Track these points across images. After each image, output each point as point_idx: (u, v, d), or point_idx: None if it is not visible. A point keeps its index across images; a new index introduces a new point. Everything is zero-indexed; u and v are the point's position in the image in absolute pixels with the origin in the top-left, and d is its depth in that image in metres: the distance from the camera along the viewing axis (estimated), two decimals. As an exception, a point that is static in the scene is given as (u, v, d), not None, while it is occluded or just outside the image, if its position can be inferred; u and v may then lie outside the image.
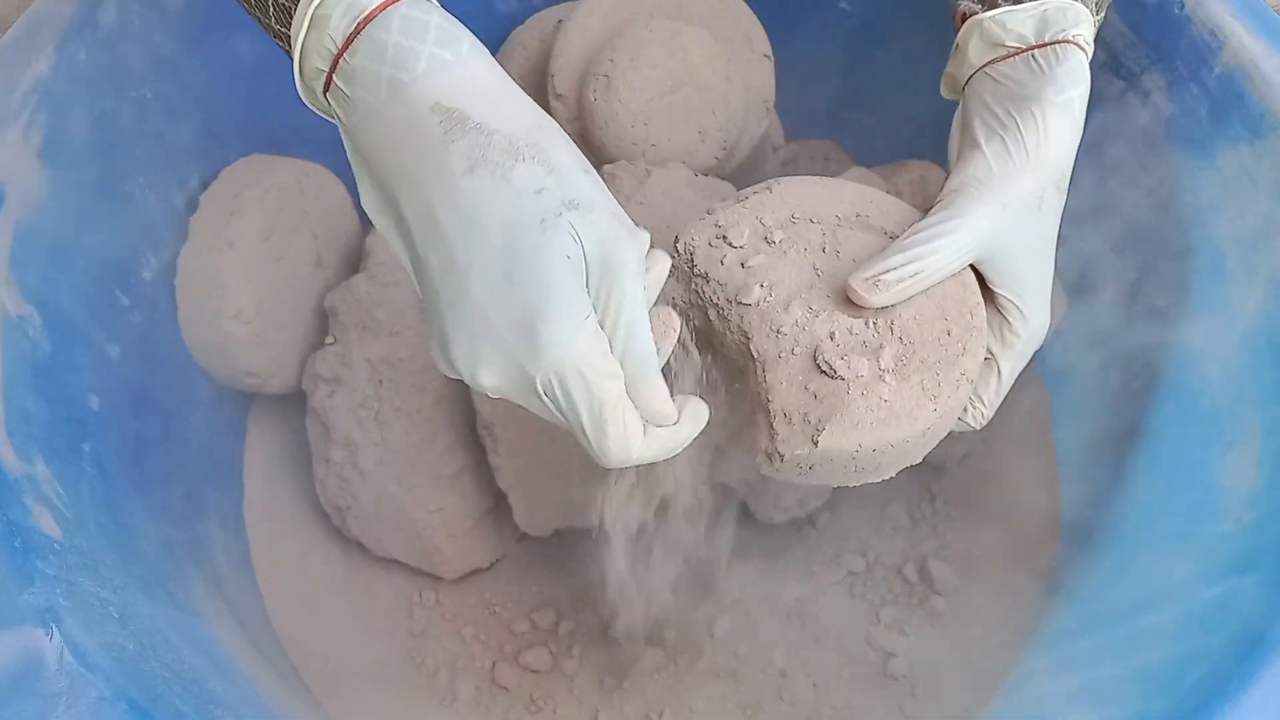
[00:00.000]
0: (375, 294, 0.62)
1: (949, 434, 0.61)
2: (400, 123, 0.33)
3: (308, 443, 0.62)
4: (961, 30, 0.45)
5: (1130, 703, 0.45)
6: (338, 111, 0.35)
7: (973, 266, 0.42)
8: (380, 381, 0.61)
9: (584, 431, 0.34)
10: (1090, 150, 0.62)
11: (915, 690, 0.60)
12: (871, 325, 0.40)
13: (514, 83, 0.35)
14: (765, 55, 0.64)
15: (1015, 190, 0.41)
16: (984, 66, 0.44)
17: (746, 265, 0.41)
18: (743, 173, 0.65)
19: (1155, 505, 0.56)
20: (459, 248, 0.32)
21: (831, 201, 0.44)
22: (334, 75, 0.34)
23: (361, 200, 0.36)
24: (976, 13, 0.44)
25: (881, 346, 0.39)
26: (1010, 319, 0.42)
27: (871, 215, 0.43)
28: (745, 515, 0.62)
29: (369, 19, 0.33)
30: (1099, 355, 0.64)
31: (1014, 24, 0.43)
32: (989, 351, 0.43)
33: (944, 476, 0.67)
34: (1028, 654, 0.58)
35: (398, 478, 0.60)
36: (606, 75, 0.58)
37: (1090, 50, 0.43)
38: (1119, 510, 0.58)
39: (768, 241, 0.42)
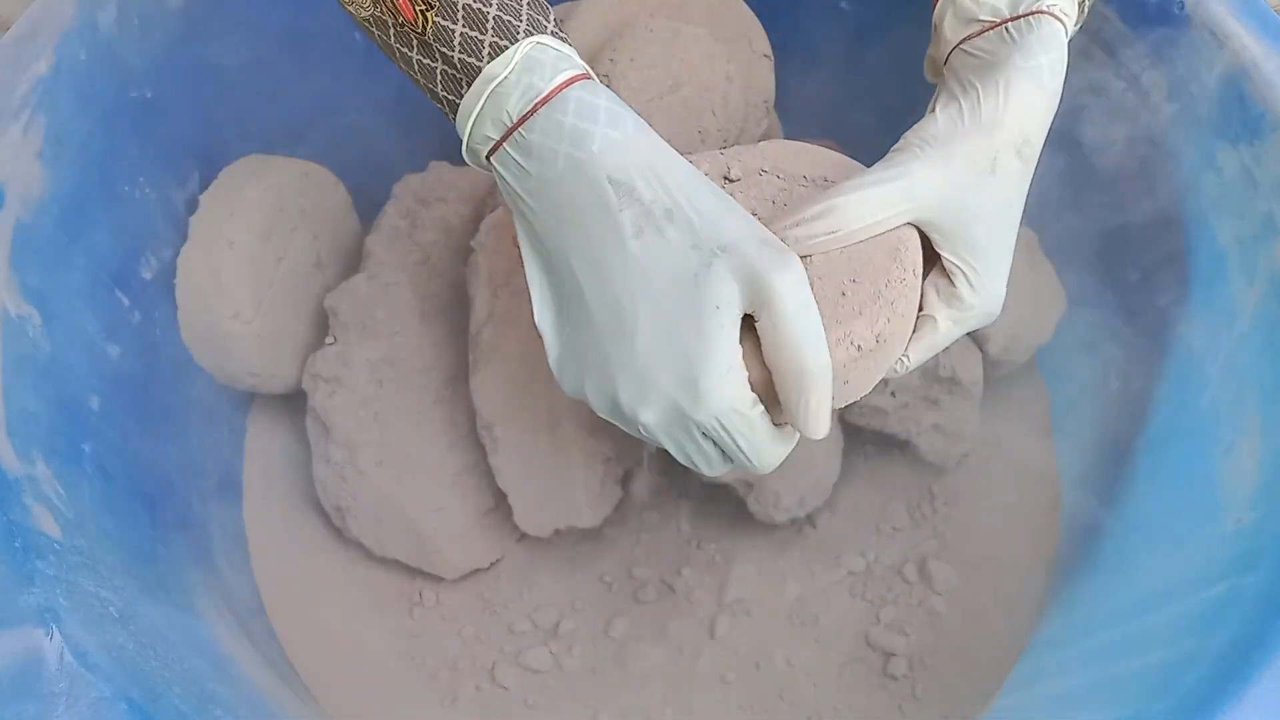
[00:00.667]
0: (375, 294, 0.62)
1: (949, 433, 0.61)
2: (577, 193, 0.37)
3: (308, 443, 0.62)
4: (936, 8, 0.45)
5: (1130, 703, 0.45)
6: (504, 174, 0.39)
7: (922, 234, 0.41)
8: (380, 381, 0.61)
9: (744, 459, 0.38)
10: (1090, 150, 0.62)
11: (915, 690, 0.60)
12: None
13: (670, 148, 0.38)
14: (765, 55, 0.64)
15: (961, 150, 0.40)
16: (960, 44, 0.44)
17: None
18: (743, 173, 0.65)
19: (1155, 505, 0.56)
20: (626, 303, 0.37)
21: (805, 163, 0.44)
22: (506, 145, 0.38)
23: (523, 255, 0.41)
24: None
25: None
26: (956, 284, 0.41)
27: (838, 179, 0.43)
28: (745, 515, 0.62)
29: (546, 100, 0.37)
30: (1099, 355, 0.64)
31: None
32: (928, 309, 0.41)
33: (944, 476, 0.67)
34: (1028, 654, 0.58)
35: (398, 478, 0.60)
36: (606, 75, 0.58)
37: (1069, 21, 0.42)
38: (1119, 510, 0.59)
39: (726, 179, 0.43)
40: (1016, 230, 0.42)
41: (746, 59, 0.63)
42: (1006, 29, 0.42)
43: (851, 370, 0.40)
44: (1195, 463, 0.53)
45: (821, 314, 0.38)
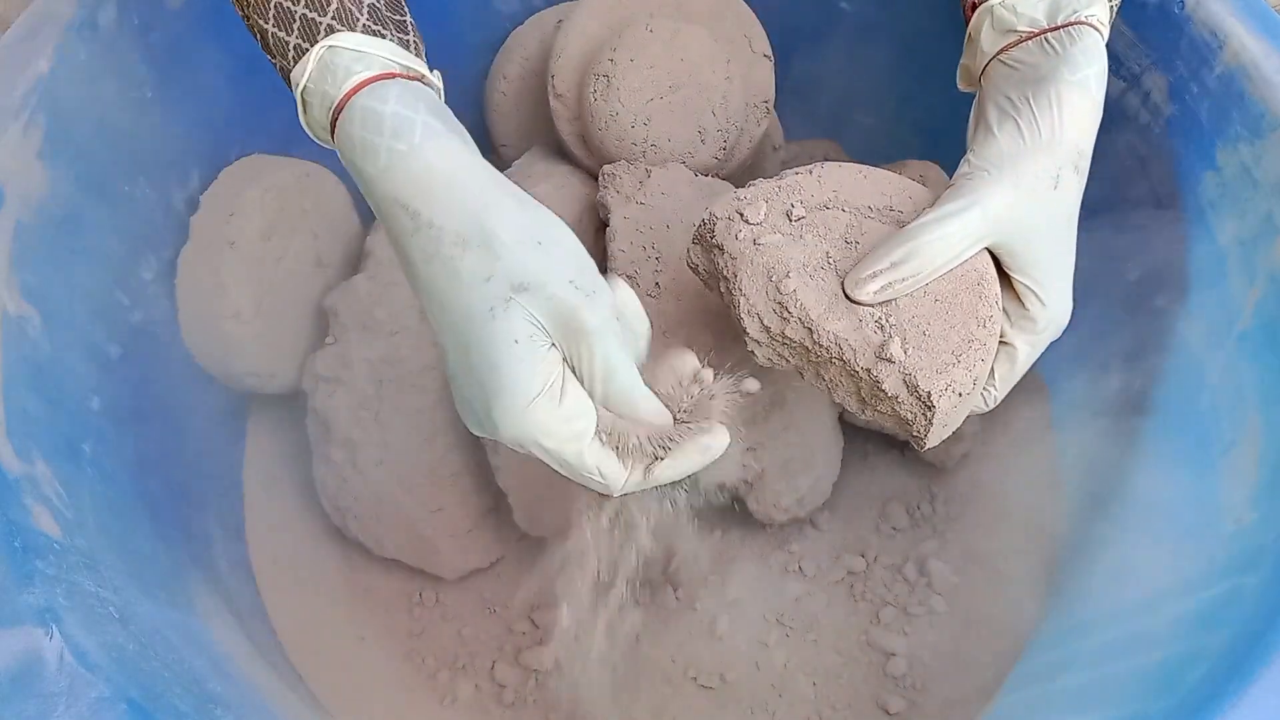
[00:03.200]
0: (375, 294, 0.62)
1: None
2: (378, 210, 0.36)
3: (308, 443, 0.62)
4: (973, 19, 0.45)
5: (1130, 703, 0.45)
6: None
7: (990, 253, 0.41)
8: (380, 381, 0.61)
9: (585, 480, 0.37)
10: (1090, 150, 0.62)
11: (915, 690, 0.60)
12: (873, 322, 0.40)
13: (471, 159, 0.36)
14: (765, 55, 0.64)
15: (1029, 170, 0.40)
16: (997, 54, 0.43)
17: (758, 243, 0.41)
18: (743, 173, 0.65)
19: (1155, 505, 0.56)
20: (435, 327, 0.36)
21: (868, 190, 0.43)
22: (335, 147, 0.37)
23: None
24: (986, 0, 0.44)
25: (883, 343, 0.39)
26: (1028, 305, 0.41)
27: (905, 210, 0.43)
28: (745, 515, 0.62)
29: (340, 108, 0.36)
30: (1099, 355, 0.64)
31: (1025, 8, 0.43)
32: (1005, 337, 0.42)
33: (944, 476, 0.67)
34: (1028, 654, 0.58)
35: (398, 478, 0.60)
36: (606, 75, 0.58)
37: (1106, 31, 0.43)
38: (1119, 510, 0.58)
39: (789, 219, 0.42)
40: (1074, 238, 0.42)
41: (746, 59, 0.63)
42: (1047, 40, 0.42)
43: (951, 416, 0.40)
44: (1195, 463, 0.53)
45: (923, 365, 0.38)
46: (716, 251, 0.43)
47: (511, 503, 0.60)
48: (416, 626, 0.62)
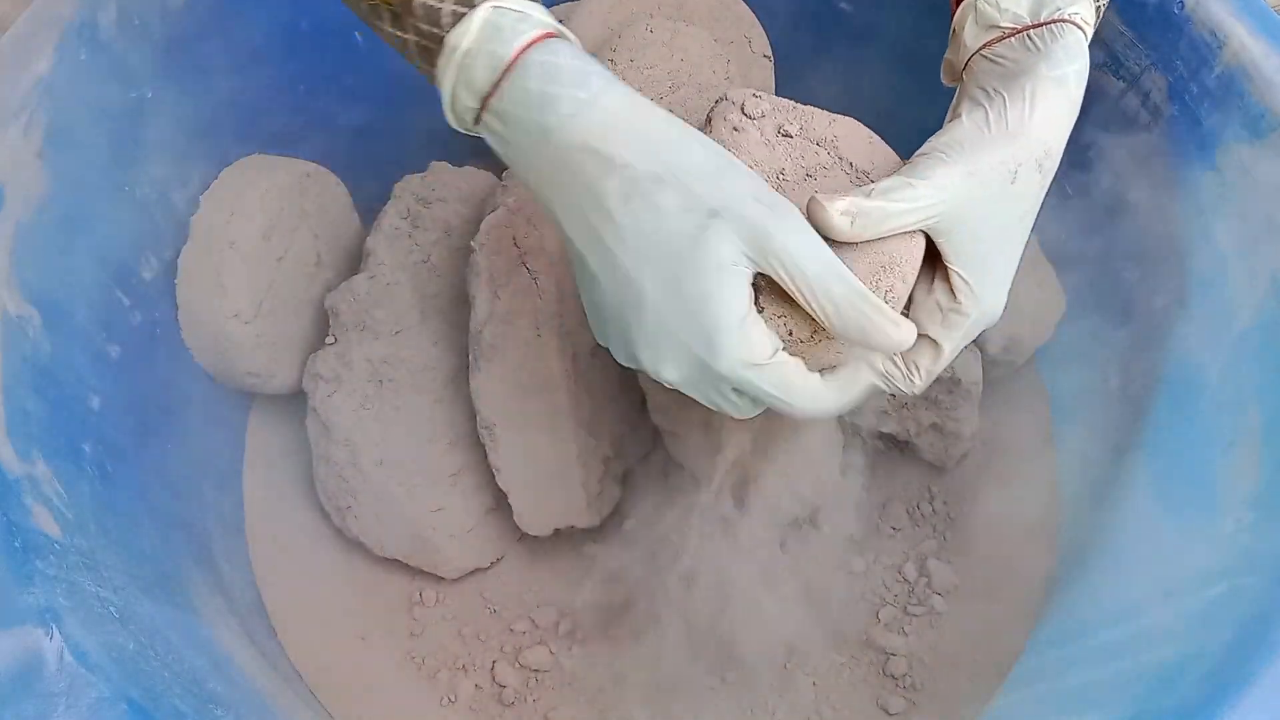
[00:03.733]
0: (375, 294, 0.62)
1: (949, 433, 0.61)
2: (558, 161, 0.37)
3: (308, 443, 0.62)
4: (957, 13, 0.45)
5: (1130, 703, 0.45)
6: (491, 141, 0.39)
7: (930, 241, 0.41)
8: (380, 381, 0.61)
9: (779, 404, 0.39)
10: (1090, 150, 0.62)
11: (915, 690, 0.60)
12: None
13: (646, 102, 0.37)
14: (765, 55, 0.64)
15: (986, 159, 0.39)
16: (980, 49, 0.43)
17: (736, 130, 0.43)
18: (743, 173, 0.65)
19: (1155, 505, 0.56)
20: (631, 268, 0.37)
21: (861, 152, 0.44)
22: (485, 114, 0.38)
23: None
24: None
25: None
26: (961, 298, 0.41)
27: (874, 176, 0.43)
28: (745, 515, 0.62)
29: (510, 67, 0.36)
30: (1099, 356, 0.64)
31: (1008, 3, 0.43)
32: (932, 332, 0.41)
33: (944, 476, 0.67)
34: (1028, 654, 0.58)
35: (398, 478, 0.60)
36: (606, 75, 0.58)
37: (1089, 30, 0.42)
38: (1119, 510, 0.58)
39: (778, 132, 0.43)
40: (1026, 242, 0.42)
41: (746, 59, 0.63)
42: (1029, 36, 0.42)
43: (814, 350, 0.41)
44: (1195, 463, 0.53)
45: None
46: (706, 125, 0.44)
47: (511, 503, 0.60)
48: (416, 626, 0.62)
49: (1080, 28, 0.42)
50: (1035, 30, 0.42)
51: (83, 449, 0.49)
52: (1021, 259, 0.42)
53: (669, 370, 0.38)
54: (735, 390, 0.38)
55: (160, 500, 0.54)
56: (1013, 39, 0.42)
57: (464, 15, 0.36)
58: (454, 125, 0.39)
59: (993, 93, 0.41)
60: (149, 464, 0.54)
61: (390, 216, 0.65)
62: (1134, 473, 0.58)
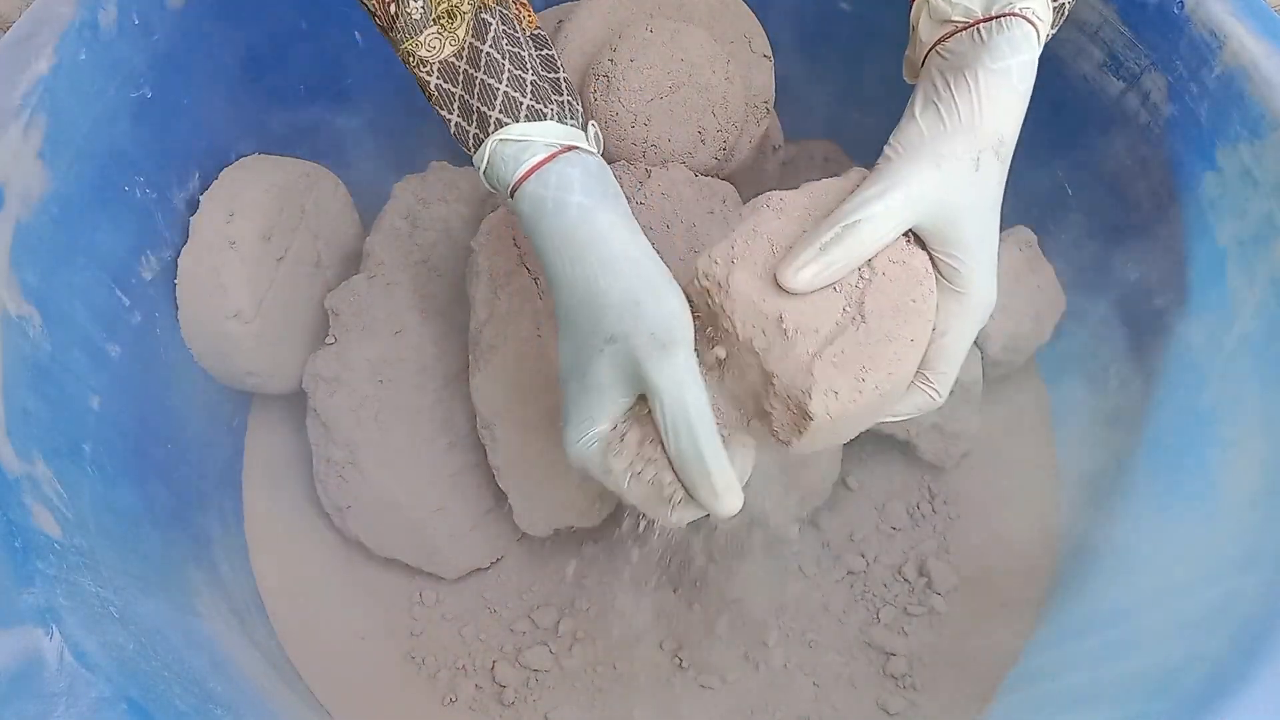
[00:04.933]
0: (375, 294, 0.62)
1: (949, 433, 0.61)
2: (541, 257, 0.43)
3: (308, 443, 0.62)
4: (912, 10, 0.45)
5: (1130, 703, 0.45)
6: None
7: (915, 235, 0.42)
8: (380, 381, 0.61)
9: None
10: (1089, 150, 0.62)
11: (915, 690, 0.60)
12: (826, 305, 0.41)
13: (605, 227, 0.42)
14: (765, 55, 0.64)
15: (948, 150, 0.40)
16: (935, 45, 0.44)
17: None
18: (743, 173, 0.65)
19: (1155, 505, 0.56)
20: (561, 351, 0.43)
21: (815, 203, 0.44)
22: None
23: None
24: None
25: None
26: (954, 283, 0.42)
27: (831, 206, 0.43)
28: (744, 515, 0.62)
29: (514, 191, 0.43)
30: (1099, 355, 0.64)
31: None
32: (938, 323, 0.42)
33: (944, 476, 0.67)
34: (1028, 654, 0.58)
35: (398, 478, 0.60)
36: (606, 75, 0.58)
37: (1042, 25, 0.43)
38: (1119, 510, 0.58)
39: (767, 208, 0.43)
40: (998, 225, 0.43)
41: (746, 59, 0.63)
42: (978, 30, 0.42)
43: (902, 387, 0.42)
44: (1195, 463, 0.53)
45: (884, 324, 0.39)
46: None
47: (511, 503, 0.60)
48: (416, 626, 0.62)
49: (1031, 22, 0.42)
50: (984, 24, 0.42)
51: (83, 449, 0.49)
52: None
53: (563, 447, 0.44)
54: None
55: (160, 500, 0.54)
56: (963, 34, 0.43)
57: (483, 141, 0.43)
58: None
59: (941, 88, 0.42)
60: (149, 464, 0.54)
61: (390, 216, 0.65)
62: (1134, 473, 0.58)
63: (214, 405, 0.63)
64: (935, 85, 0.42)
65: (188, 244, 0.59)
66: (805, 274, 0.40)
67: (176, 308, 0.59)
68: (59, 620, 0.38)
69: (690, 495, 0.40)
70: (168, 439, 0.57)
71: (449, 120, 0.43)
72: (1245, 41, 0.51)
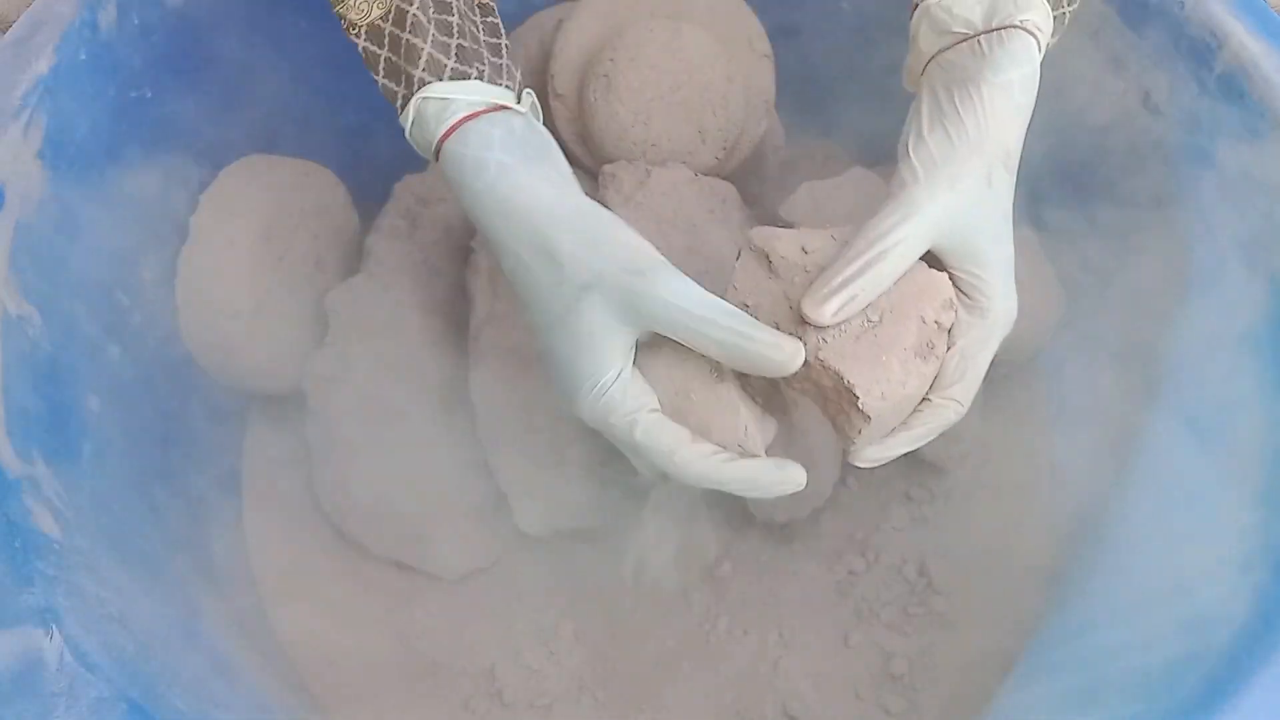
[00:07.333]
0: (375, 294, 0.62)
1: (949, 433, 0.61)
2: (478, 228, 0.44)
3: (308, 443, 0.62)
4: (912, 19, 0.45)
5: (1130, 703, 0.45)
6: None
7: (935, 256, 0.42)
8: (380, 381, 0.61)
9: (645, 466, 0.43)
10: (1089, 150, 0.62)
11: (915, 690, 0.60)
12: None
13: (533, 183, 0.41)
14: (765, 55, 0.64)
15: (962, 171, 0.40)
16: (935, 56, 0.44)
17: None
18: (743, 173, 0.65)
19: (1155, 505, 0.56)
20: (529, 325, 0.43)
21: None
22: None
23: None
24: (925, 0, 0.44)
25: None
26: (974, 298, 0.42)
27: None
28: (745, 515, 0.62)
29: (437, 151, 0.43)
30: (1099, 355, 0.64)
31: (960, 9, 0.43)
32: (954, 341, 0.42)
33: (944, 476, 0.67)
34: (1028, 654, 0.58)
35: (398, 478, 0.60)
36: (606, 75, 0.58)
37: (1043, 36, 0.43)
38: (1119, 510, 0.58)
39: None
40: (1012, 233, 0.43)
41: (746, 59, 0.63)
42: (979, 42, 0.42)
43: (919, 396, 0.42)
44: (1195, 463, 0.53)
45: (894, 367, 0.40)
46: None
47: (511, 503, 0.60)
48: (416, 627, 0.62)
49: (1032, 34, 0.42)
50: (985, 36, 0.42)
51: (83, 449, 0.49)
52: (1016, 252, 0.43)
53: (566, 410, 0.42)
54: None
55: (160, 500, 0.54)
56: (963, 45, 0.43)
57: (408, 99, 0.42)
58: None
59: (945, 104, 0.42)
60: (149, 464, 0.54)
61: (390, 216, 0.65)
62: (1134, 473, 0.58)
63: (214, 405, 0.63)
64: (939, 100, 0.42)
65: (187, 244, 0.59)
66: (830, 307, 0.40)
67: (176, 308, 0.59)
68: (59, 620, 0.38)
69: (759, 371, 0.39)
70: (167, 439, 0.57)
71: (378, 82, 0.44)
72: (1245, 41, 0.51)
